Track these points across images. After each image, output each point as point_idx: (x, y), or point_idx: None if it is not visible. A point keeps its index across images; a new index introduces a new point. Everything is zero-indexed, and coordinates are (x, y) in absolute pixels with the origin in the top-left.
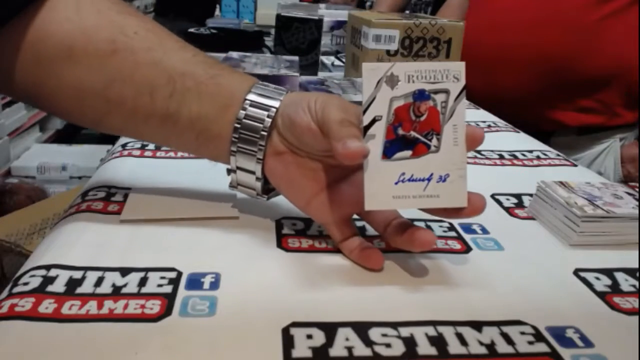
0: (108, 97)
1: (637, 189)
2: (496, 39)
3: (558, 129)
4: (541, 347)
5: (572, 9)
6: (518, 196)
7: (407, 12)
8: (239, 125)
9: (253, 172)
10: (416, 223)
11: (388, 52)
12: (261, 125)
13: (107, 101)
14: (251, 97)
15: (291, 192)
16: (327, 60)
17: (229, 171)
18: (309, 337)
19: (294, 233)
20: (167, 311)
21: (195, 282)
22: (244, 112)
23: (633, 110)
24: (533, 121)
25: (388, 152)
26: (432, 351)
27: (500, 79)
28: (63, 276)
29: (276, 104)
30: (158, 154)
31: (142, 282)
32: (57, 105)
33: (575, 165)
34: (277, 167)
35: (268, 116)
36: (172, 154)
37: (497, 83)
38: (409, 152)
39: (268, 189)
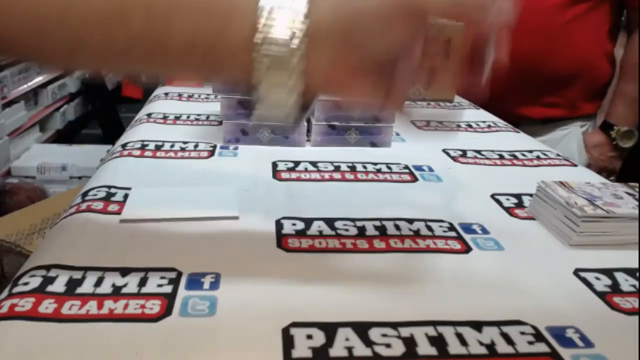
0: (70, 27)
1: (637, 189)
2: None
3: (524, 122)
4: (541, 347)
5: (540, 14)
6: (518, 196)
7: None
8: (260, 40)
9: (287, 87)
10: (416, 223)
11: None
12: (291, 33)
13: (71, 33)
14: None
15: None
16: None
17: (251, 92)
18: (309, 337)
19: (294, 233)
20: (167, 311)
21: (195, 282)
22: (264, 17)
23: (592, 103)
24: (500, 116)
25: None
26: (432, 351)
27: None
28: (63, 276)
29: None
30: (158, 154)
31: (142, 282)
32: (15, 46)
33: (575, 165)
34: (317, 71)
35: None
36: (172, 154)
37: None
38: None
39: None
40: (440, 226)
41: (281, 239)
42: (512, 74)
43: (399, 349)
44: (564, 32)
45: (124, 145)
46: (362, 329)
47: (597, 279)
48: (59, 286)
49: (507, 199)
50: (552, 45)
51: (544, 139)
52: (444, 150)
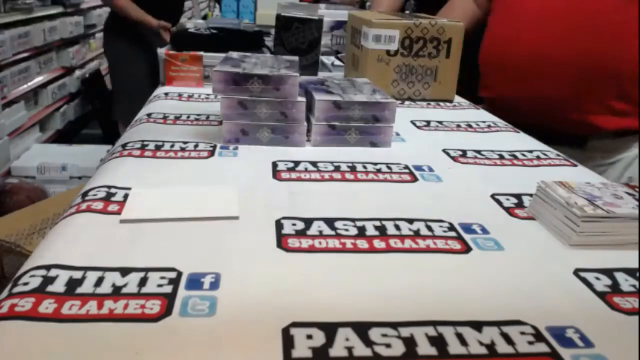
0: None
1: (637, 189)
2: (527, 48)
3: (594, 132)
4: (541, 347)
5: (604, 11)
6: (518, 196)
7: (407, 11)
8: None
9: None
10: (416, 223)
11: (388, 52)
12: None
13: None
14: None
15: None
16: (327, 60)
17: None
18: (309, 337)
19: (294, 233)
20: (167, 311)
21: (195, 282)
22: None
23: None
24: (569, 126)
25: None
26: (432, 351)
27: (534, 87)
28: (63, 276)
29: None
30: (158, 154)
31: (142, 282)
32: None
33: (575, 165)
34: None
35: None
36: (172, 154)
37: (531, 92)
38: None
39: None
40: (440, 226)
41: (281, 239)
42: (576, 77)
43: (399, 349)
44: (630, 30)
45: (124, 145)
46: (362, 329)
47: (597, 279)
48: (59, 286)
49: (507, 199)
50: (617, 46)
51: (615, 159)
52: (444, 150)
